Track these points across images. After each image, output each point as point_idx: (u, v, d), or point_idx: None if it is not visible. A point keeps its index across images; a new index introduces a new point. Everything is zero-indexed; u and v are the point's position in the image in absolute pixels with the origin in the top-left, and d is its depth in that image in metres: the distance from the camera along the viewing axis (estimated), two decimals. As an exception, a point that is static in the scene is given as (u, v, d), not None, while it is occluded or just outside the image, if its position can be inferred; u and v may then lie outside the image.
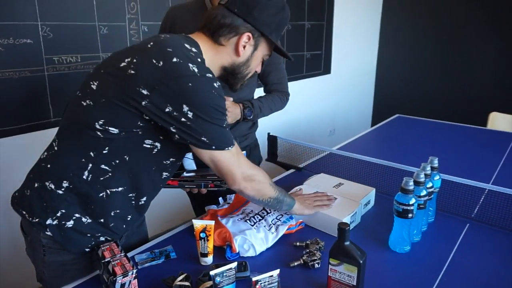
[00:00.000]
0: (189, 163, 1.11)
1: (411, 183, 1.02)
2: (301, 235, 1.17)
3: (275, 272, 0.76)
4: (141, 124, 0.84)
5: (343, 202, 1.23)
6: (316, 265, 1.00)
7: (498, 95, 3.58)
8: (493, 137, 2.25)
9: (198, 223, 0.99)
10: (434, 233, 1.17)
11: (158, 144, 0.90)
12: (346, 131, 3.90)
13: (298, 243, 1.10)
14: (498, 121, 2.67)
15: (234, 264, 0.80)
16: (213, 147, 0.87)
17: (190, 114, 0.81)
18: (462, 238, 1.15)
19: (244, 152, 1.14)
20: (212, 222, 1.00)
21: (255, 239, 1.07)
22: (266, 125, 2.59)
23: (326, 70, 3.71)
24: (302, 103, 3.41)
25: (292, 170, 1.69)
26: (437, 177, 1.19)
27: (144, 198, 0.99)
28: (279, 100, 1.51)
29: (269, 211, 1.20)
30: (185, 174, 1.12)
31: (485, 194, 1.42)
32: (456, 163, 1.77)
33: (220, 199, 1.33)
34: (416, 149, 2.03)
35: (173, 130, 0.84)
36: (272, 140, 1.73)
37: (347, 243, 0.85)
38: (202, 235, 1.00)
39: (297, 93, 3.58)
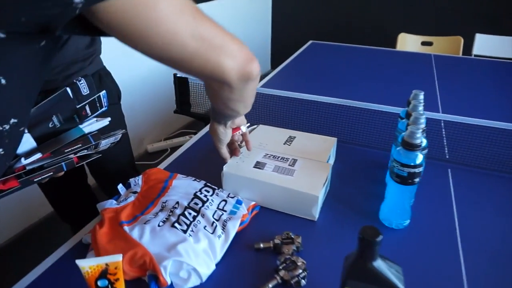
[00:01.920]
0: (25, 140, 0.57)
1: (419, 134, 0.69)
2: (259, 227, 0.78)
3: None
4: None
5: (307, 166, 0.86)
6: (303, 282, 0.64)
7: (405, 16, 3.54)
8: (407, 58, 2.12)
9: (87, 265, 0.51)
10: (421, 191, 0.91)
11: None
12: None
13: (262, 245, 0.71)
14: (406, 42, 2.59)
15: None
16: None
17: None
18: (454, 190, 0.92)
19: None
20: (119, 258, 0.53)
21: (196, 257, 0.64)
22: (165, 68, 2.01)
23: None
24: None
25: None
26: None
27: None
28: None
29: (204, 199, 0.76)
30: (23, 161, 0.56)
31: (442, 126, 1.21)
32: (383, 90, 1.56)
33: (120, 186, 0.83)
34: (341, 78, 1.76)
35: None
36: (181, 83, 1.23)
37: (376, 262, 0.49)
38: (101, 283, 0.53)
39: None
